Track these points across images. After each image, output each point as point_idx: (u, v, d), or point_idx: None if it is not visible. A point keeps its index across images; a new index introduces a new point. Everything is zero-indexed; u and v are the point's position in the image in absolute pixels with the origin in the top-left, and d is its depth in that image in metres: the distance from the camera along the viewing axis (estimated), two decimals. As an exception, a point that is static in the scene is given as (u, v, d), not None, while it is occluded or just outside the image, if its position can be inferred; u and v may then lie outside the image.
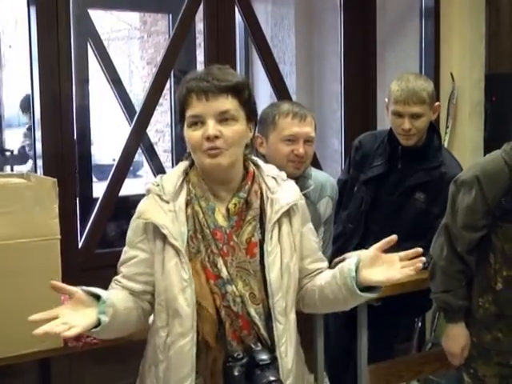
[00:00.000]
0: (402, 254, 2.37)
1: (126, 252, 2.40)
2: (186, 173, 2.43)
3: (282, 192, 2.49)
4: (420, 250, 2.36)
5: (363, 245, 3.59)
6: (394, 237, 2.37)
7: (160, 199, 2.35)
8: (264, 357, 2.32)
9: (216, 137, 2.31)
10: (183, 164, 2.45)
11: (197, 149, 2.34)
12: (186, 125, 2.37)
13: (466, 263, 3.16)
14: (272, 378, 2.30)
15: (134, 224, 2.40)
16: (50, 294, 2.50)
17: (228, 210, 2.39)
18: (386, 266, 2.38)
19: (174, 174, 2.42)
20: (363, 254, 2.47)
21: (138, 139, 5.12)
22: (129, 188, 5.44)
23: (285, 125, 3.31)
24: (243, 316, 2.36)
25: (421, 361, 4.42)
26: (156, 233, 2.33)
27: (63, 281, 2.56)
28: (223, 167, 2.35)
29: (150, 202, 2.37)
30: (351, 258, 2.48)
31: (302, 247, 2.52)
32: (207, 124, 2.32)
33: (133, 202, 4.58)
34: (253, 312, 2.37)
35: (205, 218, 2.34)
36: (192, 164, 2.44)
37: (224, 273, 2.34)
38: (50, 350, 2.63)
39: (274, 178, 2.51)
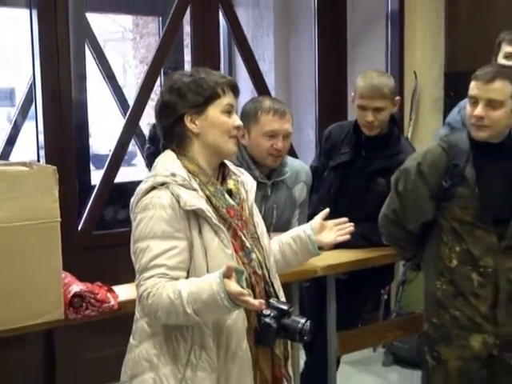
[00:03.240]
0: (336, 221, 2.73)
1: (160, 244, 2.23)
2: None
3: (244, 176, 2.57)
4: (346, 219, 2.79)
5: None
6: (343, 219, 2.78)
7: (185, 188, 2.28)
8: (286, 307, 2.35)
9: (241, 126, 2.46)
10: (172, 156, 2.38)
11: (226, 133, 2.38)
12: (218, 110, 2.36)
13: (414, 236, 3.23)
14: (303, 321, 2.34)
15: (169, 216, 2.24)
16: (50, 271, 2.55)
17: (230, 190, 2.42)
18: (327, 231, 2.67)
19: (178, 166, 2.35)
20: (313, 222, 2.69)
21: (132, 131, 5.14)
22: (124, 176, 5.45)
23: (266, 121, 3.33)
24: (264, 277, 2.42)
25: (385, 328, 4.45)
26: (192, 217, 2.27)
27: (63, 260, 2.59)
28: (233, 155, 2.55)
29: (183, 192, 2.26)
30: (304, 226, 2.71)
31: None
32: (234, 115, 2.42)
33: (127, 188, 4.63)
34: (266, 273, 2.43)
35: (217, 201, 2.34)
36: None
37: (247, 243, 2.38)
38: (52, 322, 2.60)
39: (231, 164, 2.57)
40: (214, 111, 2.36)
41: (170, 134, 2.41)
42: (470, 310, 3.05)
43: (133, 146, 5.67)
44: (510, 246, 3.01)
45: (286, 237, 2.68)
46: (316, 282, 3.57)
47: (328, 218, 3.68)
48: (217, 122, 2.36)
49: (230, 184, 2.44)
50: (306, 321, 2.33)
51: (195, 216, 2.28)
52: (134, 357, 2.39)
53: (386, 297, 5.30)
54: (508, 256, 3.01)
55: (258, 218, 2.52)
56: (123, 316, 2.63)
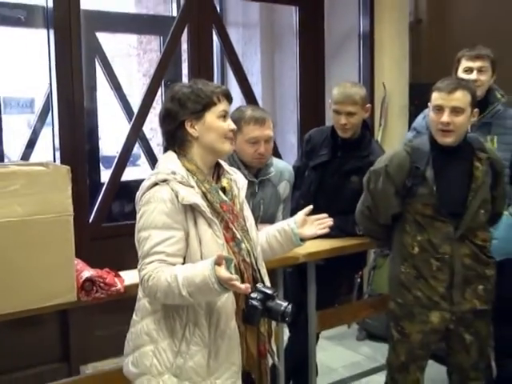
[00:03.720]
0: (317, 216, 2.72)
1: (161, 234, 2.24)
2: None
3: (237, 175, 2.57)
4: (326, 215, 2.78)
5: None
6: (323, 215, 2.77)
7: (184, 185, 2.28)
8: (271, 291, 2.35)
9: (234, 130, 2.46)
10: (174, 157, 2.39)
11: (222, 135, 2.39)
12: (214, 116, 2.37)
13: (386, 228, 3.23)
14: (285, 304, 2.34)
15: (169, 209, 2.24)
16: (64, 259, 2.54)
17: (224, 188, 2.43)
18: (308, 225, 2.68)
19: (178, 165, 2.35)
20: (296, 217, 2.70)
21: (136, 135, 5.12)
22: (129, 175, 5.43)
23: (248, 130, 3.34)
24: (252, 265, 2.42)
25: (358, 308, 4.49)
26: (189, 211, 2.28)
27: (76, 248, 2.58)
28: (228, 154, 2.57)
29: (181, 188, 2.27)
30: (288, 220, 2.71)
31: None
32: (229, 119, 2.43)
33: (132, 186, 4.62)
34: (254, 261, 2.43)
35: (211, 196, 2.34)
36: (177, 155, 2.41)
37: (237, 235, 2.38)
38: (66, 304, 2.60)
39: (225, 165, 2.57)
40: (211, 117, 2.37)
41: (173, 138, 2.41)
42: (429, 291, 3.07)
43: (137, 149, 5.65)
44: (464, 235, 3.04)
45: (272, 229, 2.69)
46: (298, 268, 3.57)
47: (310, 212, 3.72)
48: (214, 126, 2.37)
49: (224, 182, 2.45)
50: (288, 304, 2.34)
51: (191, 210, 2.28)
52: (136, 331, 2.41)
53: (359, 280, 5.31)
54: (462, 244, 3.05)
55: (247, 213, 2.51)
56: (128, 298, 2.63)
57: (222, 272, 2.10)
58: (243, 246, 2.40)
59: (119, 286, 2.67)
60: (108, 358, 4.46)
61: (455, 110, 2.99)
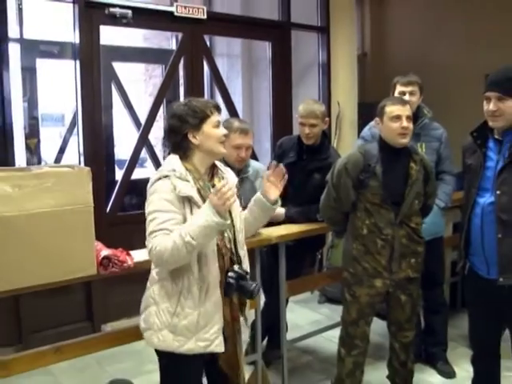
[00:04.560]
0: (271, 175, 2.62)
1: (164, 215, 2.22)
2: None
3: (228, 174, 2.54)
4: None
5: (283, 205, 3.65)
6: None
7: (181, 180, 2.26)
8: (244, 273, 2.35)
9: (227, 134, 2.47)
10: (177, 159, 2.35)
11: (218, 141, 2.36)
12: (210, 126, 2.34)
13: (346, 215, 3.22)
14: (254, 285, 2.34)
15: (170, 197, 2.23)
16: (86, 241, 2.54)
17: (215, 185, 2.35)
18: (272, 189, 2.61)
19: (179, 165, 2.32)
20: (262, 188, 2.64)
21: (143, 143, 5.09)
22: (138, 174, 5.41)
23: (234, 138, 3.33)
24: (231, 250, 2.39)
25: (319, 278, 4.50)
26: (186, 201, 2.26)
27: (96, 233, 2.57)
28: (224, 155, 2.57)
29: (179, 182, 2.25)
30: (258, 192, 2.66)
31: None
32: (221, 127, 2.41)
33: (141, 183, 4.58)
34: (233, 247, 2.40)
35: (204, 192, 2.31)
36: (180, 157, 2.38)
37: None
38: (88, 276, 2.61)
39: (220, 166, 2.53)
40: (208, 127, 2.35)
41: (178, 147, 2.38)
42: (374, 263, 3.08)
43: (144, 154, 5.62)
44: (403, 221, 3.05)
45: (251, 203, 2.65)
46: (271, 247, 3.55)
47: (281, 202, 3.71)
48: (211, 134, 2.35)
49: (216, 181, 2.41)
50: (257, 285, 2.34)
51: (188, 200, 2.26)
52: (146, 295, 2.42)
53: (319, 256, 5.32)
54: (401, 227, 3.05)
55: (234, 206, 2.44)
56: (138, 272, 2.62)
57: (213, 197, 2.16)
58: (225, 234, 2.38)
59: (130, 262, 2.65)
60: (122, 318, 4.49)
61: (409, 118, 3.03)
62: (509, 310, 2.70)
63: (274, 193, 2.60)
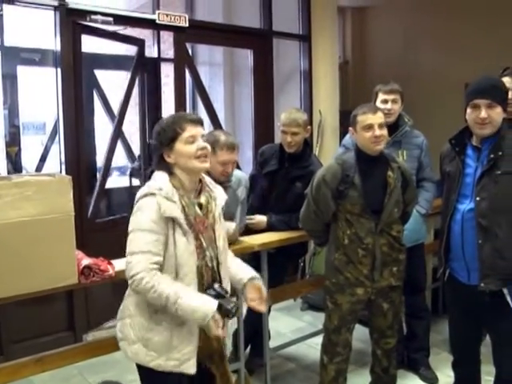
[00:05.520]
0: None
1: (148, 235, 2.19)
2: None
3: (217, 192, 2.47)
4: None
5: (264, 213, 3.69)
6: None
7: (167, 200, 2.22)
8: (223, 292, 2.33)
9: (206, 147, 2.32)
10: (164, 176, 2.31)
11: (192, 157, 2.28)
12: (182, 143, 2.28)
13: (327, 226, 3.21)
14: (231, 305, 2.29)
15: (155, 217, 2.19)
16: (67, 250, 2.52)
17: (201, 204, 2.35)
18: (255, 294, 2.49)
19: (166, 183, 2.28)
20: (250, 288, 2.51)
21: (112, 151, 5.11)
22: (120, 183, 5.40)
23: (221, 154, 3.25)
24: (213, 269, 2.35)
25: (301, 285, 4.50)
26: (170, 222, 2.22)
27: (77, 237, 2.56)
28: (205, 170, 2.40)
29: (164, 202, 2.21)
30: (249, 276, 2.51)
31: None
32: (198, 141, 2.30)
33: (119, 190, 4.58)
34: (214, 265, 2.36)
35: (188, 209, 2.28)
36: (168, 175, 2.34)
37: (203, 244, 2.31)
38: (69, 286, 2.60)
39: (210, 183, 2.49)
40: (180, 145, 2.29)
41: (161, 166, 2.34)
42: (356, 273, 3.08)
43: (127, 162, 5.61)
44: (383, 229, 3.05)
45: (236, 274, 2.53)
46: (254, 255, 3.54)
47: (260, 210, 3.71)
48: (183, 152, 2.28)
49: (202, 199, 2.37)
50: (235, 305, 2.31)
51: (172, 220, 2.23)
52: (123, 305, 2.41)
53: (302, 264, 5.31)
54: (382, 236, 3.06)
55: (219, 226, 2.41)
56: (119, 281, 2.60)
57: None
58: (207, 253, 2.33)
59: (111, 271, 2.65)
60: (103, 329, 4.47)
61: (381, 125, 3.03)
62: (489, 315, 2.72)
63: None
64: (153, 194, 2.23)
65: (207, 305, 2.19)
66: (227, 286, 2.43)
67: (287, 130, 3.61)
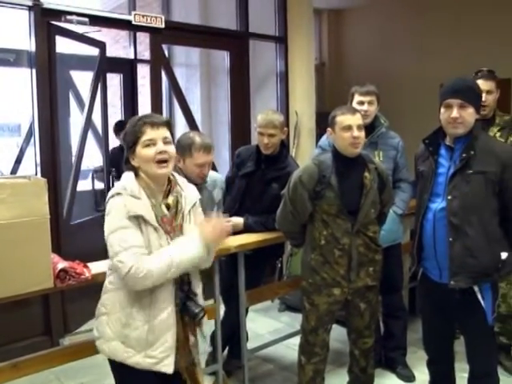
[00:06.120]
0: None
1: (125, 232, 2.18)
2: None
3: (188, 191, 2.45)
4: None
5: (240, 215, 3.67)
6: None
7: (134, 198, 2.21)
8: (192, 295, 2.33)
9: (165, 151, 2.26)
10: (131, 176, 2.30)
11: (150, 161, 2.25)
12: (141, 147, 2.25)
13: (304, 227, 3.21)
14: (199, 309, 2.32)
15: (124, 213, 2.18)
16: (43, 254, 2.49)
17: (168, 204, 2.32)
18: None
19: (132, 182, 2.27)
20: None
21: (81, 152, 5.06)
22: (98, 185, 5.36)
23: (198, 156, 3.23)
24: None
25: (279, 286, 4.49)
26: (140, 219, 2.20)
27: (52, 240, 2.53)
28: (168, 174, 2.33)
29: (129, 200, 2.20)
30: None
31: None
32: (158, 145, 2.26)
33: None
34: None
35: (156, 210, 2.26)
36: (135, 175, 2.32)
37: (169, 243, 2.27)
38: (45, 289, 2.57)
39: (182, 183, 2.46)
40: (139, 148, 2.26)
41: (128, 167, 2.33)
42: (333, 273, 3.08)
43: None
44: (359, 230, 3.06)
45: None
46: (231, 256, 3.53)
47: (237, 212, 3.70)
48: (142, 155, 2.26)
49: (170, 200, 2.33)
50: (201, 310, 2.33)
51: (140, 218, 2.21)
52: (99, 303, 2.37)
53: (279, 265, 5.32)
54: (358, 237, 3.06)
55: (188, 225, 2.38)
56: (95, 283, 2.58)
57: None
58: None
59: (87, 274, 2.62)
60: (80, 333, 4.45)
61: (360, 127, 3.04)
62: (460, 312, 2.75)
63: (210, 239, 2.36)
64: (119, 194, 2.23)
65: (195, 246, 2.24)
66: (197, 286, 2.42)
67: (264, 132, 3.60)
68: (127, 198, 2.22)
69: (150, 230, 2.23)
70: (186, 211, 2.38)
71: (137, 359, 2.27)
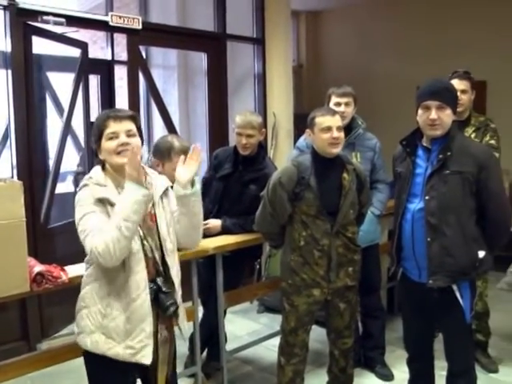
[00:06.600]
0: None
1: (92, 217, 2.18)
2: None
3: (157, 180, 2.44)
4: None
5: (219, 217, 3.66)
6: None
7: (100, 185, 2.23)
8: (165, 287, 2.30)
9: (127, 143, 2.25)
10: (98, 167, 2.33)
11: (112, 153, 2.26)
12: (105, 140, 2.27)
13: (283, 228, 3.21)
14: (171, 301, 2.30)
15: (91, 201, 2.20)
16: (19, 257, 2.46)
17: None
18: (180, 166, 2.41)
19: (98, 173, 2.29)
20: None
21: (61, 152, 5.02)
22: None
23: (177, 161, 3.20)
24: (153, 259, 2.32)
25: (257, 288, 4.49)
26: (108, 205, 2.20)
27: (29, 244, 2.50)
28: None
29: (96, 188, 2.24)
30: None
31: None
32: (120, 137, 2.26)
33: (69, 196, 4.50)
34: (157, 256, 2.33)
35: None
36: (103, 167, 2.33)
37: (140, 233, 2.27)
38: (22, 293, 2.54)
39: (152, 173, 2.46)
40: (103, 141, 2.28)
41: (98, 160, 2.34)
42: (312, 274, 3.08)
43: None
44: (339, 231, 3.06)
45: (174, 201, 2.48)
46: (209, 258, 3.51)
47: (216, 214, 3.69)
48: (105, 148, 2.28)
49: None
50: (173, 303, 2.31)
51: (110, 204, 2.21)
52: (78, 299, 2.34)
53: (258, 266, 5.31)
54: (337, 237, 3.06)
55: (161, 212, 2.37)
56: (72, 287, 2.55)
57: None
58: (145, 242, 2.31)
59: (64, 278, 2.60)
60: (57, 337, 4.40)
61: (339, 128, 3.04)
62: (439, 311, 2.78)
63: (185, 173, 2.38)
64: (86, 185, 2.26)
65: (128, 190, 2.16)
66: (176, 275, 2.39)
67: (242, 132, 3.59)
68: (93, 186, 2.25)
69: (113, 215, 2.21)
70: (157, 198, 2.37)
71: (117, 350, 2.26)
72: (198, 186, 2.42)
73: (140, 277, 2.25)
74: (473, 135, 3.78)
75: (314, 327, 3.38)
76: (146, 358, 2.28)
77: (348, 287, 3.16)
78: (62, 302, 3.64)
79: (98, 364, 2.31)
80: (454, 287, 2.69)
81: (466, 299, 2.72)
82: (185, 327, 2.50)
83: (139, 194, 2.15)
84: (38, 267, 2.55)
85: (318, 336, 4.05)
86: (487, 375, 3.84)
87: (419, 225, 2.71)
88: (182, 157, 2.43)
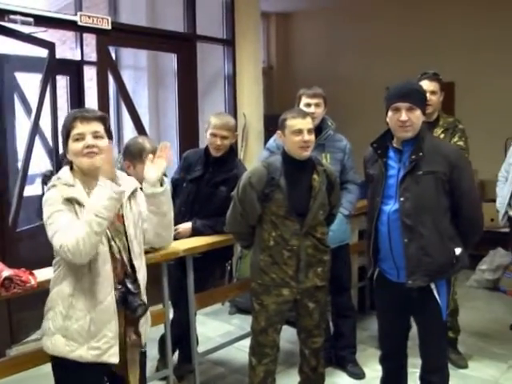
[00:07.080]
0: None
1: (59, 216, 2.16)
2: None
3: (125, 181, 2.41)
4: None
5: (190, 219, 3.64)
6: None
7: (68, 185, 2.21)
8: (133, 288, 2.29)
9: (93, 145, 2.23)
10: (66, 168, 2.30)
11: (78, 155, 2.23)
12: (71, 141, 2.24)
13: (253, 229, 3.21)
14: (139, 303, 2.29)
15: (59, 201, 2.17)
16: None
17: None
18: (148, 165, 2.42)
19: (66, 173, 2.27)
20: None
21: (29, 153, 4.92)
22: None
23: None
24: (121, 260, 2.30)
25: (229, 289, 4.47)
26: (76, 205, 2.19)
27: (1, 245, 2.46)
28: (97, 166, 2.25)
29: (64, 188, 2.21)
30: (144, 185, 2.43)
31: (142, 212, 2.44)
32: (86, 139, 2.23)
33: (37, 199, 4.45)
34: (125, 258, 2.31)
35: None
36: (71, 168, 2.30)
37: (108, 234, 2.25)
38: None
39: (120, 174, 2.42)
40: (70, 142, 2.25)
41: (66, 161, 2.32)
42: (282, 274, 3.09)
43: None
44: (308, 232, 3.08)
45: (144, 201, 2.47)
46: (179, 260, 3.49)
47: (187, 216, 3.66)
48: (72, 149, 2.25)
49: None
50: (142, 305, 2.31)
51: (77, 203, 2.20)
52: (46, 301, 2.32)
53: (229, 268, 5.31)
54: (307, 238, 3.08)
55: (128, 213, 2.36)
56: (42, 291, 2.50)
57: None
58: (113, 243, 2.28)
59: (33, 282, 2.55)
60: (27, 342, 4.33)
61: (310, 131, 3.05)
62: (417, 309, 2.81)
63: (154, 171, 2.38)
64: (54, 186, 2.24)
65: (99, 189, 2.15)
66: (142, 278, 2.38)
67: (217, 133, 3.58)
68: (61, 186, 2.22)
69: (82, 212, 2.19)
70: (125, 199, 2.34)
71: (80, 352, 2.22)
72: (168, 186, 2.43)
73: (106, 278, 2.24)
74: (441, 136, 3.82)
75: (285, 327, 3.39)
76: (113, 357, 2.26)
77: (317, 287, 3.17)
78: (31, 306, 3.57)
79: (64, 368, 2.28)
80: (432, 286, 2.73)
81: (443, 297, 2.76)
82: (145, 331, 2.46)
83: (112, 191, 2.13)
84: (7, 272, 2.50)
85: (289, 336, 4.06)
86: (457, 371, 3.89)
87: (395, 226, 2.73)
88: (150, 156, 2.43)
